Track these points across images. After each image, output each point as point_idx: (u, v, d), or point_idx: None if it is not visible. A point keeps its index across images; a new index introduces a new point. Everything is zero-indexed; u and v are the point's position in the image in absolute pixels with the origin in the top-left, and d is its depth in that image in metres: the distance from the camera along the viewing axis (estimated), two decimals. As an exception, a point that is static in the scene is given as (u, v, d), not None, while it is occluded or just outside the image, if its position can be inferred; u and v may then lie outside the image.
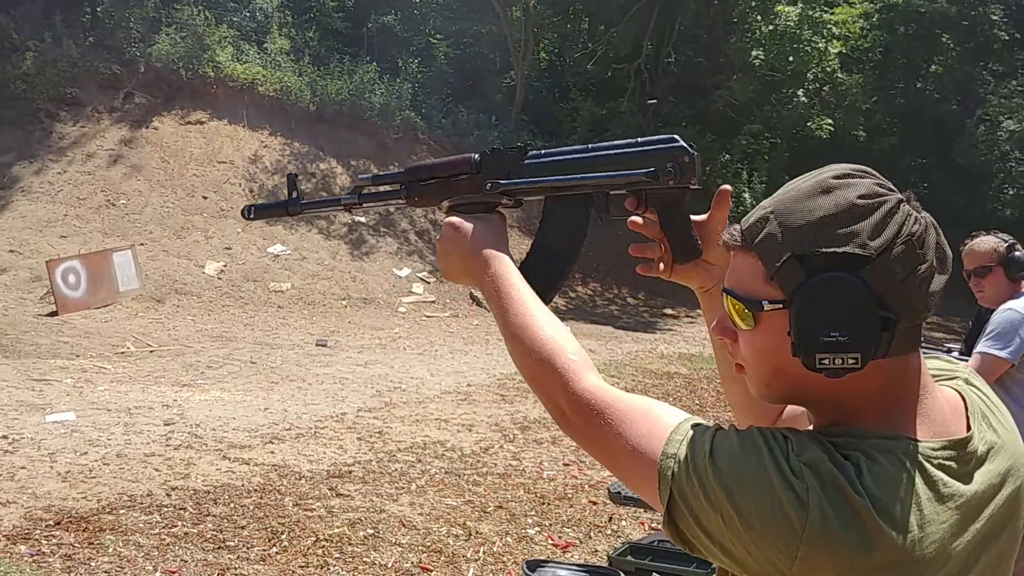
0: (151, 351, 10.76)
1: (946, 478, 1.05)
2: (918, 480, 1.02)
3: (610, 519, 5.68)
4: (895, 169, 22.82)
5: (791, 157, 20.90)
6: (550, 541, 5.26)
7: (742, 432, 1.07)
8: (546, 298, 1.36)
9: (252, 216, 1.62)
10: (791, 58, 20.16)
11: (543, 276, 1.41)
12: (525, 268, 1.40)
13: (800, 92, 20.97)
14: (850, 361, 1.02)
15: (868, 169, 1.10)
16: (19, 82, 16.00)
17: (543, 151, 1.45)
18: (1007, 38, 23.67)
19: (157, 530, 4.97)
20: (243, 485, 5.84)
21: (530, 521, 5.56)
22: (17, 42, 16.29)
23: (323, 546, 4.92)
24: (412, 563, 4.78)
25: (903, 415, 1.08)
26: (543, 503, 5.88)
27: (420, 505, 5.70)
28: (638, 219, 1.38)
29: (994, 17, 23.44)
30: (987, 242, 3.92)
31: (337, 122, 18.58)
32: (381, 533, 5.18)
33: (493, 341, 13.46)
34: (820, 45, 20.19)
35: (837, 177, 1.07)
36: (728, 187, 1.39)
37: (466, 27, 21.98)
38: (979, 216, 19.80)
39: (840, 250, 1.02)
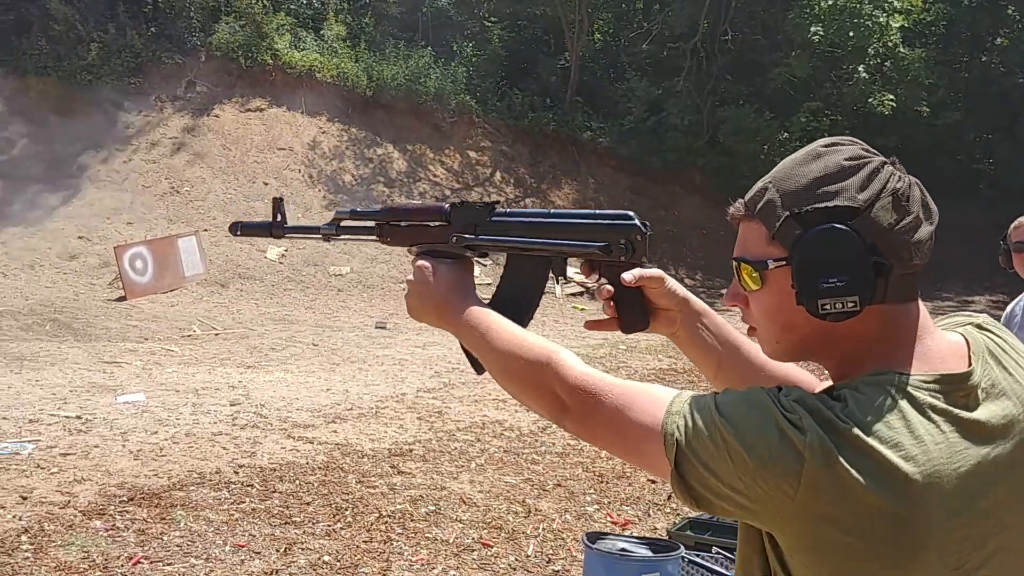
0: (216, 334, 11.01)
1: (937, 403, 1.10)
2: (904, 404, 1.08)
3: (669, 497, 5.70)
4: (959, 145, 22.30)
5: (852, 134, 20.23)
6: (609, 519, 5.30)
7: (738, 390, 1.16)
8: None
9: (239, 233, 1.72)
10: (851, 33, 19.75)
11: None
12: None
13: (861, 68, 20.56)
14: (849, 304, 1.11)
15: (854, 139, 1.20)
16: (85, 73, 16.41)
17: (508, 210, 1.52)
18: (1077, 8, 22.93)
19: (226, 506, 5.12)
20: (307, 463, 5.98)
21: (589, 499, 5.60)
22: (82, 33, 16.70)
23: (386, 522, 5.03)
24: (473, 539, 4.86)
25: (899, 356, 1.14)
26: (602, 481, 5.93)
27: (480, 483, 5.78)
28: (607, 288, 1.47)
29: (1064, -14, 22.72)
30: None
31: (393, 107, 18.73)
32: (442, 510, 5.27)
33: (550, 323, 13.51)
34: (881, 19, 19.75)
35: (825, 145, 1.18)
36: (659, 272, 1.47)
37: (520, 9, 21.93)
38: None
39: (831, 204, 1.12)
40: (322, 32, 19.33)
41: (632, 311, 1.45)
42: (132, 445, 6.15)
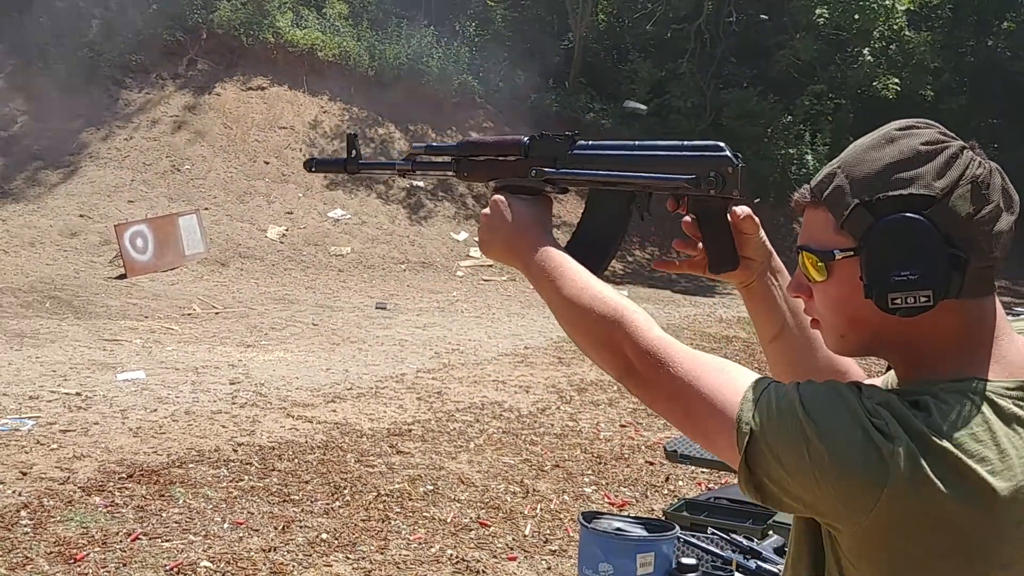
0: (216, 313, 11.02)
1: (1021, 412, 1.04)
2: (990, 414, 1.03)
3: (667, 479, 5.71)
4: (964, 130, 22.11)
5: (855, 118, 20.47)
6: (606, 499, 5.31)
7: (818, 382, 1.10)
8: None
9: (314, 169, 1.67)
10: (856, 16, 19.66)
11: (582, 263, 1.39)
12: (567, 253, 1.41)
13: (866, 51, 20.48)
14: (922, 299, 1.05)
15: (931, 121, 1.12)
16: (85, 50, 16.34)
17: (591, 143, 1.45)
18: (1084, -8, 22.81)
19: (224, 483, 5.14)
20: (306, 442, 5.99)
21: (587, 480, 5.62)
22: (83, 10, 16.62)
23: (384, 501, 5.04)
24: (471, 518, 4.87)
25: (977, 358, 1.08)
26: (600, 463, 5.94)
27: (478, 463, 5.79)
28: (688, 219, 1.40)
29: (1071, -30, 22.59)
30: None
31: (395, 87, 18.66)
32: (440, 489, 5.28)
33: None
34: (887, 2, 19.65)
35: (900, 128, 1.11)
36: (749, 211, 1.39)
37: (524, -11, 21.84)
38: (1051, 177, 19.22)
39: (905, 192, 1.06)
40: (324, 10, 19.24)
41: (723, 249, 1.37)
42: (132, 422, 6.16)
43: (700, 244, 1.40)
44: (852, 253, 1.09)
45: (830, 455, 1.01)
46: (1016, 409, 1.04)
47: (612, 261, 1.48)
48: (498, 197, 1.43)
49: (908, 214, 1.05)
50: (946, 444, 0.99)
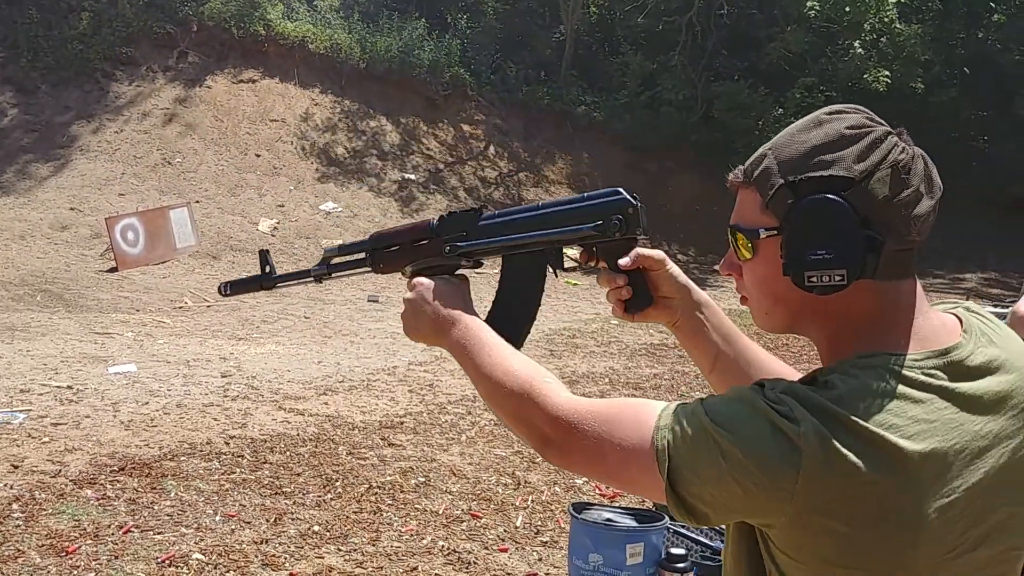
0: (208, 306, 11.01)
1: (932, 380, 1.07)
2: (898, 385, 1.06)
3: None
4: (955, 122, 22.27)
5: (846, 111, 20.45)
6: (597, 491, 5.33)
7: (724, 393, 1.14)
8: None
9: (228, 292, 1.71)
10: (847, 8, 19.67)
11: (506, 331, 1.43)
12: (490, 324, 1.44)
13: (856, 43, 20.50)
14: (836, 278, 1.08)
15: (861, 107, 1.15)
16: (75, 42, 16.27)
17: (496, 212, 1.50)
18: (1074, -15, 22.85)
19: (216, 476, 5.15)
20: (298, 435, 6.00)
21: (578, 472, 5.64)
22: (73, 2, 16.55)
23: (376, 493, 5.05)
24: (462, 510, 4.89)
25: (892, 336, 1.11)
26: (591, 454, 5.96)
27: (470, 455, 5.81)
28: (602, 266, 1.43)
29: (1061, -37, 22.62)
30: None
31: (387, 79, 18.64)
32: (432, 481, 5.30)
33: (543, 299, 13.50)
34: (878, -6, 19.69)
35: (829, 113, 1.15)
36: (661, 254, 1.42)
37: (515, -19, 21.81)
38: (1041, 170, 19.32)
39: (826, 173, 1.08)
40: (315, 2, 19.19)
41: (636, 290, 1.41)
42: (123, 415, 6.17)
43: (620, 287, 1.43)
44: (776, 232, 1.13)
45: (743, 454, 1.03)
46: (924, 378, 1.07)
47: (533, 322, 1.52)
48: (417, 280, 1.46)
49: (827, 195, 1.07)
50: (852, 417, 1.02)
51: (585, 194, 1.42)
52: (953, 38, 23.35)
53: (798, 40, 19.66)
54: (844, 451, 1.01)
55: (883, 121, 1.13)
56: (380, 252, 1.57)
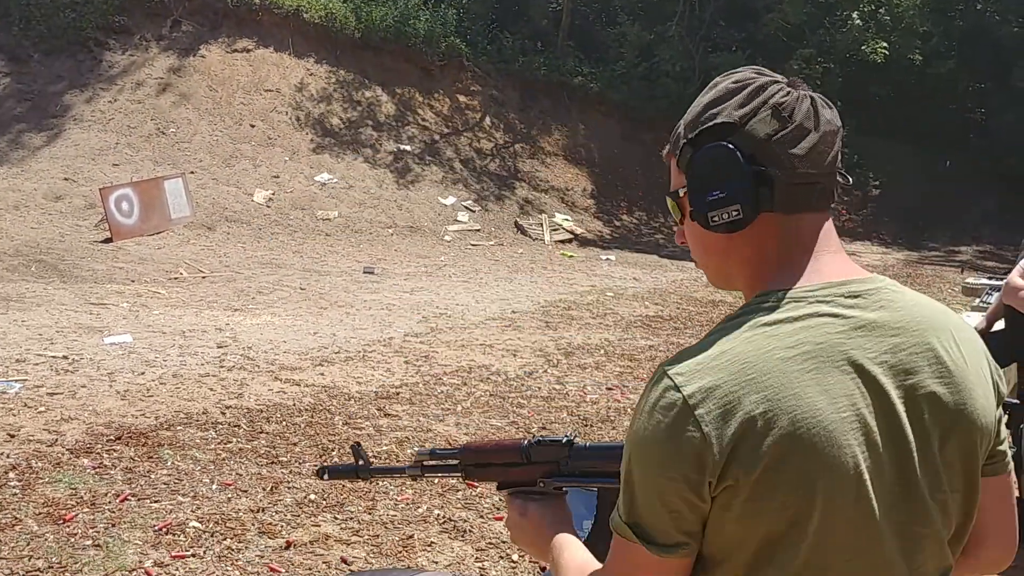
0: (203, 277, 10.99)
1: (821, 308, 1.13)
2: (781, 315, 1.12)
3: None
4: (952, 94, 22.21)
5: (844, 82, 20.42)
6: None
7: None
8: None
9: (326, 477, 1.83)
10: (846, -21, 19.56)
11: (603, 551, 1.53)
12: (589, 542, 1.51)
13: (855, 14, 20.39)
14: (733, 213, 1.17)
15: (759, 68, 1.24)
16: (68, 11, 16.12)
17: (587, 444, 1.57)
18: (1074, -44, 22.68)
19: (213, 445, 5.16)
20: (294, 405, 6.01)
21: (573, 442, 5.66)
22: (65, -30, 16.38)
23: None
24: (457, 478, 4.90)
25: (792, 271, 1.18)
26: (586, 425, 5.98)
27: (466, 425, 5.83)
28: None
29: (1061, -66, 22.44)
30: None
31: (382, 49, 18.51)
32: (428, 451, 5.31)
33: (538, 269, 13.52)
34: (876, -35, 19.55)
35: (723, 76, 1.25)
36: None
37: (512, -50, 21.60)
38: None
39: (713, 123, 1.18)
40: (310, -29, 18.99)
41: None
42: (119, 385, 6.17)
43: None
44: (688, 188, 1.22)
45: (662, 467, 1.10)
46: (812, 307, 1.12)
47: None
48: (512, 504, 1.56)
49: (715, 142, 1.17)
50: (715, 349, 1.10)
51: None
52: (951, 9, 23.22)
53: (796, 11, 19.54)
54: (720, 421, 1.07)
55: (775, 75, 1.21)
56: (472, 466, 1.65)
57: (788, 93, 1.17)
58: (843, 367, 1.09)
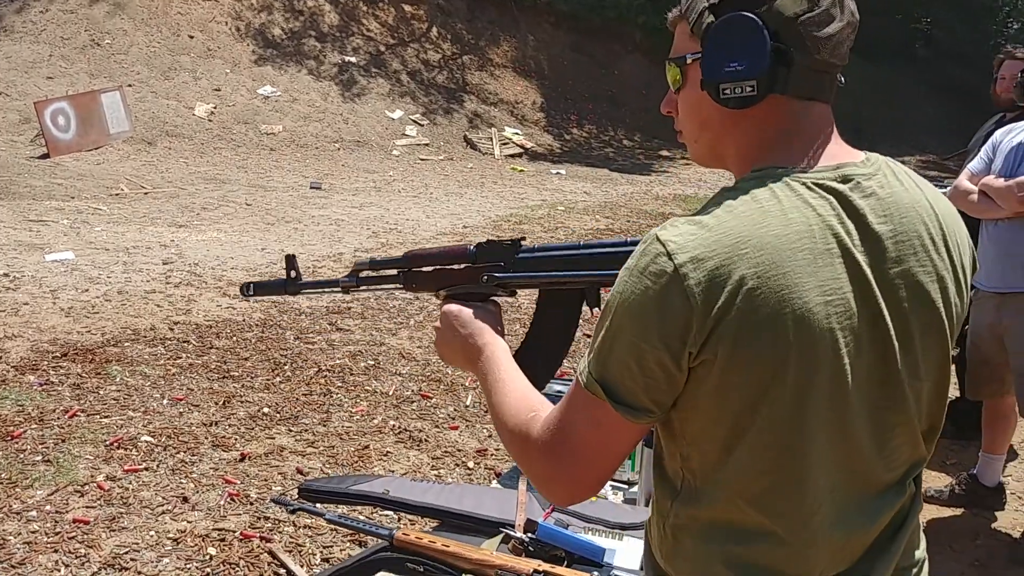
0: (145, 193, 10.74)
1: (820, 181, 1.12)
2: (779, 191, 1.10)
3: (604, 350, 5.82)
4: (898, 4, 22.21)
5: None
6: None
7: None
8: (539, 385, 1.41)
9: (251, 294, 1.72)
10: None
11: (538, 364, 1.49)
12: (520, 356, 1.47)
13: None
14: (747, 89, 1.13)
15: None
16: (-9, -86, 15.31)
17: (535, 246, 1.53)
18: None
19: (162, 361, 5.10)
20: (244, 320, 5.96)
21: (526, 353, 5.69)
22: None
23: (325, 376, 5.07)
24: (412, 391, 4.93)
25: (792, 152, 1.15)
26: (538, 336, 6.01)
27: (419, 339, 5.83)
28: None
29: None
30: None
31: (324, -43, 17.90)
32: (381, 364, 5.32)
33: (488, 184, 13.43)
34: None
35: None
36: None
37: None
38: (979, 51, 19.40)
39: None
40: None
41: None
42: (63, 303, 6.05)
43: None
44: (700, 55, 1.17)
45: (629, 316, 1.09)
46: (807, 190, 1.11)
47: (563, 359, 1.56)
48: (448, 308, 1.49)
49: (741, 12, 1.12)
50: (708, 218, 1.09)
51: (627, 239, 1.45)
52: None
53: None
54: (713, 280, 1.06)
55: None
56: (413, 272, 1.59)
57: None
58: (833, 250, 1.08)
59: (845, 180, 1.13)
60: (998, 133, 3.77)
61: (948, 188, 3.86)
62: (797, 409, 1.09)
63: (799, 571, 1.15)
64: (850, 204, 1.12)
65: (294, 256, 1.70)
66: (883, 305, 1.12)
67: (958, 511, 4.02)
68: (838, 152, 1.17)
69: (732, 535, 1.15)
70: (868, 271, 1.11)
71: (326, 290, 1.71)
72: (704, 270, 1.05)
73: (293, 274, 1.67)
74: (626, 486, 2.58)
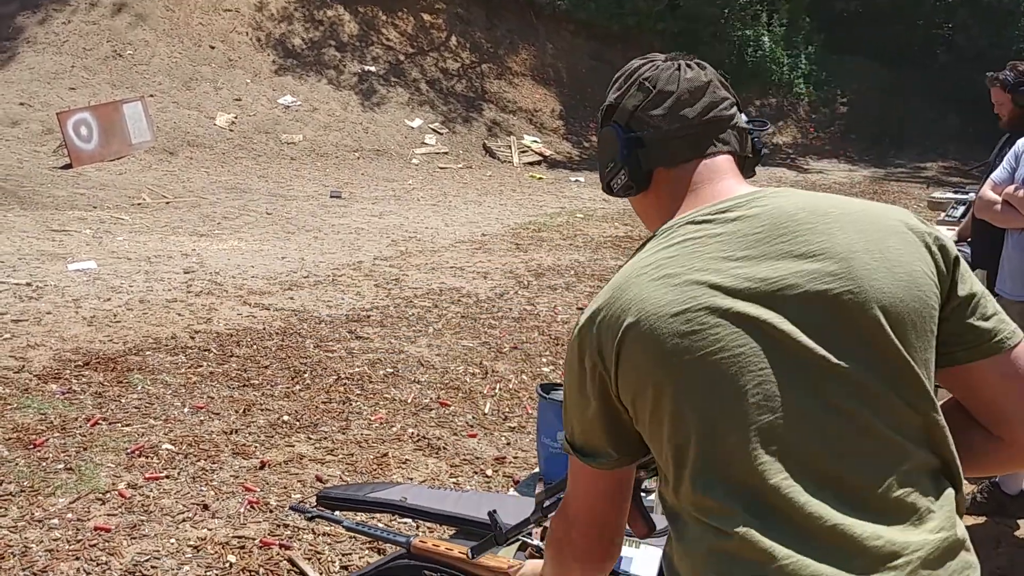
0: (167, 203, 10.82)
1: (690, 226, 1.24)
2: (673, 233, 1.24)
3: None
4: (919, 10, 22.07)
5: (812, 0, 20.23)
6: (563, 378, 5.39)
7: None
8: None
9: (473, 557, 1.84)
10: None
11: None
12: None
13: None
14: (623, 178, 1.35)
15: (656, 54, 1.39)
16: (15, -72, 15.50)
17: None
18: None
19: (183, 370, 5.13)
20: (264, 328, 5.98)
21: (544, 360, 5.70)
22: None
23: (344, 384, 5.08)
24: (431, 399, 4.94)
25: (682, 208, 1.30)
26: (557, 344, 6.01)
27: (437, 347, 5.84)
28: None
29: None
30: None
31: (344, -33, 18.00)
32: (400, 372, 5.33)
33: (507, 192, 13.44)
34: None
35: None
36: None
37: None
38: (1002, 56, 19.22)
39: (603, 107, 1.39)
40: None
41: (637, 516, 1.46)
42: (85, 312, 6.10)
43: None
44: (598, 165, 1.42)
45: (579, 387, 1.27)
46: (679, 229, 1.23)
47: None
48: None
49: (605, 124, 1.38)
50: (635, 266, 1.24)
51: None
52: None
53: (765, -75, 19.22)
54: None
55: (657, 56, 1.37)
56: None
57: (656, 68, 1.33)
58: (695, 271, 1.17)
59: (721, 212, 1.23)
60: (1021, 142, 3.73)
61: (972, 195, 3.82)
62: (701, 429, 1.15)
63: None
64: (716, 229, 1.21)
65: (495, 512, 1.78)
66: (749, 311, 1.15)
67: (980, 519, 3.98)
68: (724, 190, 1.28)
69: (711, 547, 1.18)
70: (731, 282, 1.16)
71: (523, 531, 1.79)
72: (594, 322, 1.21)
73: (498, 527, 1.76)
74: (644, 494, 2.57)
